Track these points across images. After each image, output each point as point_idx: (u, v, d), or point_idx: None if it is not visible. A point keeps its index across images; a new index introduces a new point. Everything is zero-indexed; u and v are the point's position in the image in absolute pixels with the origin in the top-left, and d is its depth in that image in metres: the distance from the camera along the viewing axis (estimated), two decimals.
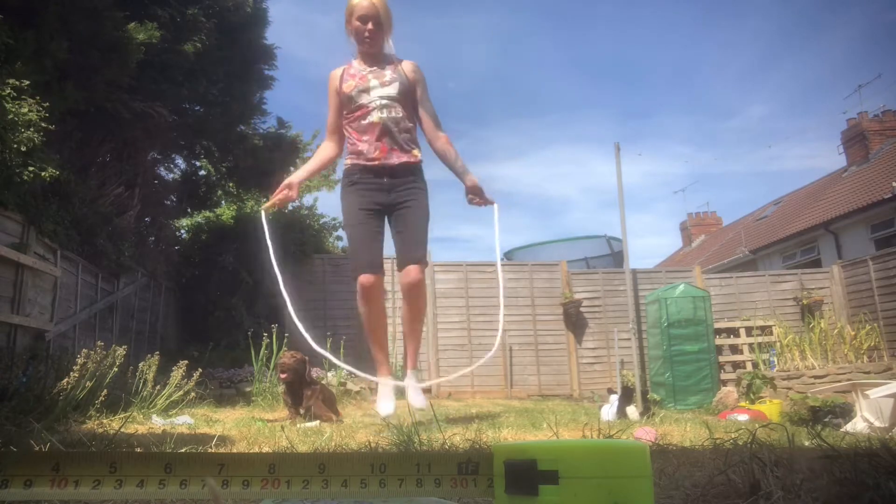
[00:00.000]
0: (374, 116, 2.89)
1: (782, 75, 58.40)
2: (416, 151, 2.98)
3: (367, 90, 2.92)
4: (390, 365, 3.06)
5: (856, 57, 44.29)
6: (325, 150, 3.11)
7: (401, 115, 2.93)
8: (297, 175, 3.07)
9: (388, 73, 2.96)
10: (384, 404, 2.85)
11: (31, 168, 4.28)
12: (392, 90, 2.92)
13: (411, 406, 2.83)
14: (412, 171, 2.96)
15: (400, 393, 3.09)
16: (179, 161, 9.81)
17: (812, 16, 51.66)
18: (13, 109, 4.01)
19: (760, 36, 57.41)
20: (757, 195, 66.64)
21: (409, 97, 2.99)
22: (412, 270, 2.89)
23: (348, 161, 2.98)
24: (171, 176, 9.96)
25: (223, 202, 10.49)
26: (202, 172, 10.23)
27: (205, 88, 7.10)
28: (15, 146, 4.02)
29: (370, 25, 2.91)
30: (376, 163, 2.88)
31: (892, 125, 15.77)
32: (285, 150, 9.03)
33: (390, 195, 2.91)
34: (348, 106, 2.96)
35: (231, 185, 9.69)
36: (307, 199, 13.06)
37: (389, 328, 3.36)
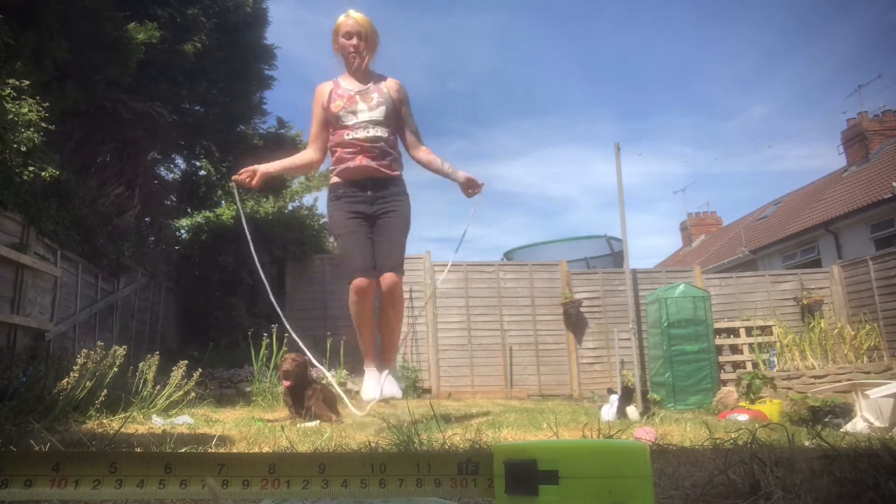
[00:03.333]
0: (359, 134, 3.02)
1: (782, 75, 58.39)
2: (398, 170, 3.14)
3: (354, 112, 3.04)
4: (377, 356, 3.19)
5: (856, 57, 44.26)
6: (304, 154, 3.25)
7: (386, 136, 3.06)
8: (267, 166, 3.16)
9: (375, 97, 3.07)
10: (369, 389, 3.00)
11: (31, 168, 4.28)
12: (378, 114, 3.04)
13: (382, 394, 3.02)
14: (395, 183, 3.11)
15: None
16: (179, 161, 9.82)
17: (812, 16, 51.65)
18: (13, 109, 4.01)
19: (761, 36, 57.40)
20: (757, 195, 66.56)
21: (393, 119, 3.13)
22: (388, 277, 3.02)
23: (333, 177, 3.12)
24: (171, 176, 9.97)
25: (223, 202, 10.49)
26: (202, 172, 10.23)
27: (205, 88, 7.10)
28: (15, 146, 4.02)
29: (355, 41, 3.04)
30: (360, 175, 3.03)
31: (892, 125, 15.77)
32: (285, 150, 8.97)
33: (373, 206, 3.05)
34: (335, 125, 3.08)
35: (231, 185, 9.68)
36: (307, 199, 13.08)
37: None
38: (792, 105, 57.10)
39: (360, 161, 2.99)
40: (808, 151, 47.64)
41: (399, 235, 3.09)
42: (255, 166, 3.12)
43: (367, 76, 3.13)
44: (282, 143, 9.00)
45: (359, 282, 2.98)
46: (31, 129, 4.08)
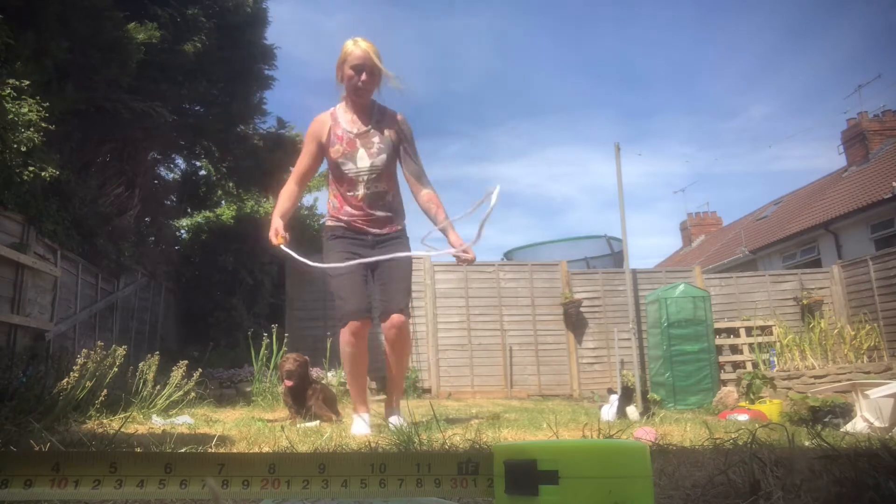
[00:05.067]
0: (360, 191, 2.90)
1: (783, 75, 58.47)
2: (398, 224, 3.03)
3: (353, 159, 2.91)
4: (367, 404, 3.05)
5: (856, 57, 44.32)
6: (290, 191, 3.08)
7: (386, 189, 2.96)
8: (279, 222, 2.97)
9: (376, 142, 2.93)
10: (358, 427, 2.78)
11: (31, 168, 4.29)
12: (379, 162, 2.91)
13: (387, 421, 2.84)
14: (397, 234, 3.02)
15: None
16: (179, 161, 9.82)
17: (813, 16, 51.70)
18: (13, 109, 4.01)
19: (761, 36, 57.48)
20: (757, 195, 66.70)
21: (394, 163, 3.01)
22: (396, 319, 2.91)
23: (331, 222, 3.00)
24: (171, 176, 9.98)
25: (223, 202, 10.50)
26: (202, 172, 10.23)
27: (205, 88, 7.10)
28: (15, 146, 4.02)
29: (364, 77, 2.87)
30: (358, 228, 2.95)
31: (892, 125, 15.77)
32: (285, 150, 9.03)
33: (374, 250, 2.94)
34: (333, 171, 2.97)
35: (231, 185, 9.69)
36: (307, 199, 13.07)
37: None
38: (792, 105, 57.18)
39: (360, 223, 2.92)
40: (808, 151, 47.73)
41: (404, 278, 2.98)
42: (276, 229, 2.92)
43: (369, 112, 2.97)
44: (282, 144, 9.00)
45: (353, 325, 2.88)
46: (31, 129, 4.08)
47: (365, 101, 2.96)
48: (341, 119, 2.96)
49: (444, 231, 2.93)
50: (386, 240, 2.96)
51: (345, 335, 2.93)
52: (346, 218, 2.95)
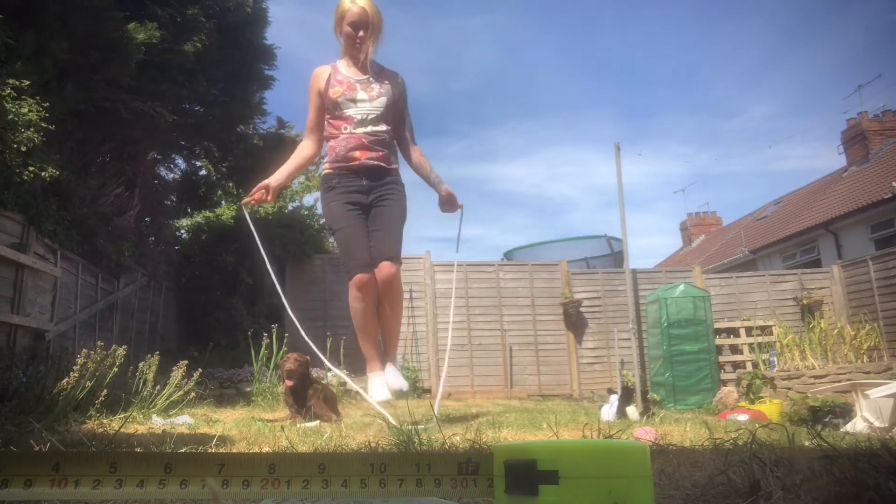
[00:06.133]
0: (359, 129, 2.94)
1: (783, 75, 58.46)
2: (393, 162, 3.06)
3: (353, 100, 2.95)
4: (382, 360, 3.10)
5: (856, 57, 44.31)
6: (304, 148, 3.14)
7: (384, 129, 2.98)
8: (275, 178, 3.05)
9: (376, 87, 2.99)
10: (377, 391, 2.89)
11: (31, 168, 4.29)
12: (379, 105, 2.96)
13: (389, 387, 2.94)
14: (390, 174, 3.03)
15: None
16: (179, 161, 9.82)
17: (813, 16, 51.71)
18: (13, 109, 4.01)
19: (761, 36, 57.45)
20: (757, 195, 66.66)
21: (392, 112, 3.05)
22: (386, 266, 2.92)
23: (326, 166, 3.02)
24: (171, 176, 9.98)
25: (223, 202, 10.50)
26: (202, 172, 10.24)
27: (205, 88, 7.10)
28: (15, 146, 4.02)
29: (361, 33, 2.93)
30: (355, 164, 2.94)
31: (892, 125, 15.76)
32: (285, 150, 8.99)
33: (369, 196, 2.97)
34: (332, 112, 2.99)
35: (231, 185, 9.69)
36: (307, 200, 13.08)
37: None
38: (792, 105, 57.18)
39: (359, 161, 2.92)
40: (808, 151, 47.72)
41: (395, 224, 2.99)
42: (266, 182, 3.01)
43: (368, 66, 3.03)
44: (282, 143, 8.99)
45: (360, 277, 2.89)
46: (31, 129, 4.08)
47: (363, 56, 3.01)
48: (341, 68, 3.04)
49: (435, 185, 3.14)
50: (381, 185, 2.98)
51: (352, 290, 2.96)
52: (343, 152, 2.94)
